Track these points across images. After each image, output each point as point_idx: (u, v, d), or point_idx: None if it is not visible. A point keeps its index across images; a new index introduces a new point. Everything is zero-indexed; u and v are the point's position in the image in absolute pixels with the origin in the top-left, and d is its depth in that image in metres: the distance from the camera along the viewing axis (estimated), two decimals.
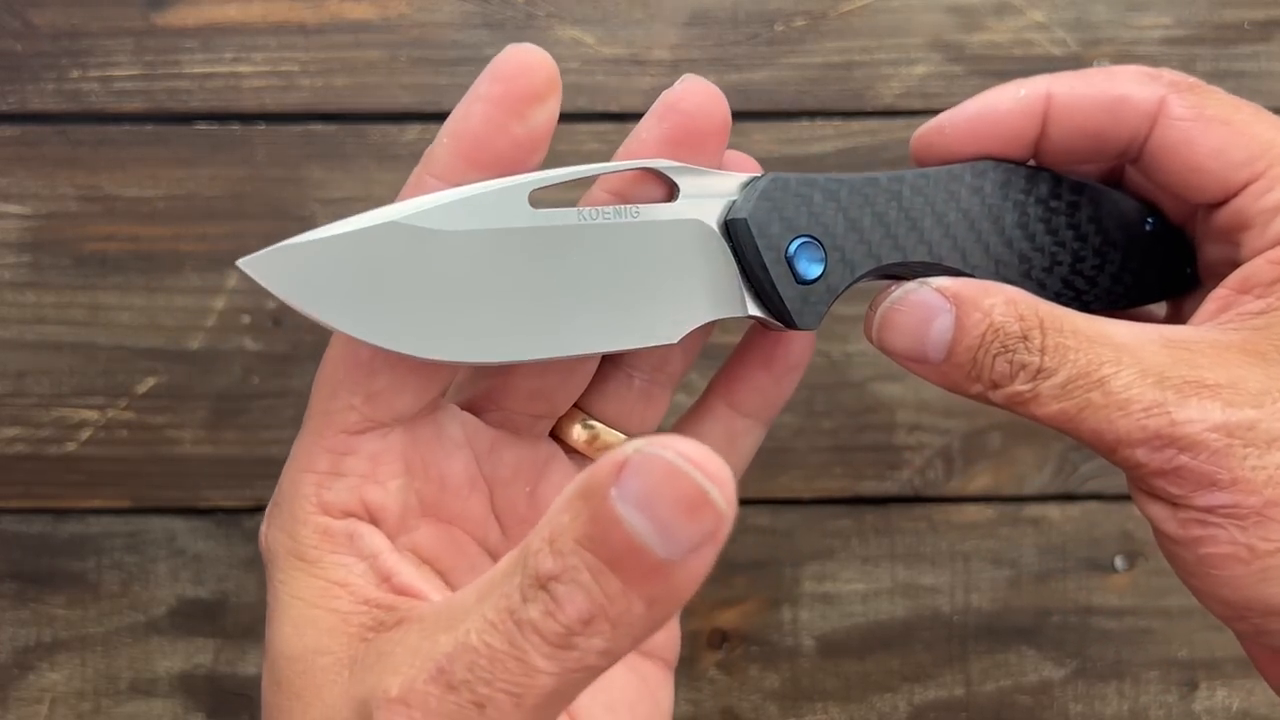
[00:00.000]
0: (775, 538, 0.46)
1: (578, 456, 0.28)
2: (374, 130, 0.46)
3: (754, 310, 0.25)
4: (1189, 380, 0.22)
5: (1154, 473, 0.23)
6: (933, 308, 0.24)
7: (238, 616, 0.46)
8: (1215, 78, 0.47)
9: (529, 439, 0.27)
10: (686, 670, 0.46)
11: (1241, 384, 0.22)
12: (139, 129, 0.46)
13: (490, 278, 0.23)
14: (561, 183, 0.24)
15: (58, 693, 0.45)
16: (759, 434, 0.29)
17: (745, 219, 0.24)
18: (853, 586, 0.46)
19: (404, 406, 0.24)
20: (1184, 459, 0.22)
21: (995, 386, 0.23)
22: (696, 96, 0.25)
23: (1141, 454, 0.22)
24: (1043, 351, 0.23)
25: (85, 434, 0.46)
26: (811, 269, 0.25)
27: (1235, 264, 0.26)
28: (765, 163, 0.47)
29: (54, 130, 0.46)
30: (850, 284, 0.25)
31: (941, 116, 0.27)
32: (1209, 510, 0.22)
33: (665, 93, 0.25)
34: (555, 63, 0.24)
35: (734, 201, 0.25)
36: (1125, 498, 0.46)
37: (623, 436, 0.27)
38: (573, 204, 0.26)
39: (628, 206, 0.24)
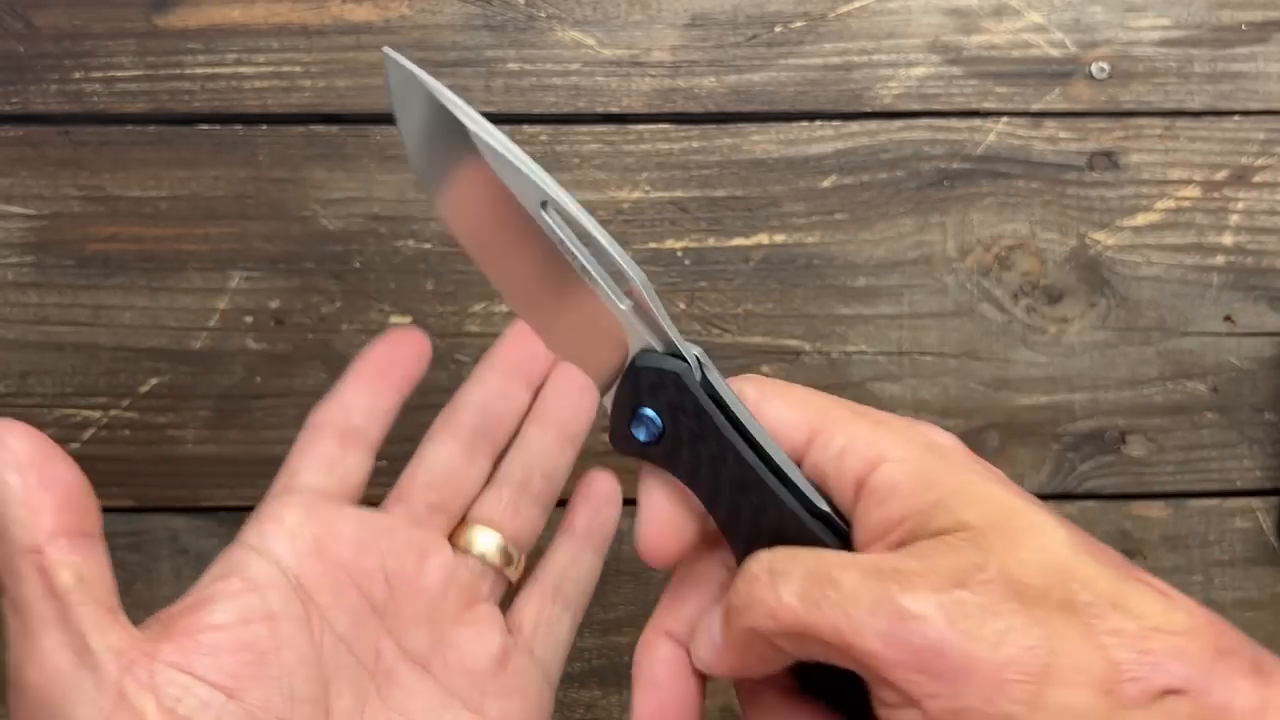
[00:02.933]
0: None
1: (459, 551, 0.34)
2: (376, 131, 0.47)
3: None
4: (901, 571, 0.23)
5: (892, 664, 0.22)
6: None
7: None
8: (1212, 79, 0.47)
9: (423, 529, 0.33)
10: None
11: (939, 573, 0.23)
12: (142, 130, 0.46)
13: None
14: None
15: None
16: (591, 559, 0.36)
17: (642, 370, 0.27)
18: None
19: (308, 480, 0.32)
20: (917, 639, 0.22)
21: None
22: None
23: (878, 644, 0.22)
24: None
25: (88, 434, 0.46)
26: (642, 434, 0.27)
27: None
28: (764, 164, 0.47)
29: (57, 131, 0.46)
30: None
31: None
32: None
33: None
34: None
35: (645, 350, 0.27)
36: (1123, 497, 0.47)
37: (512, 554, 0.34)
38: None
39: None
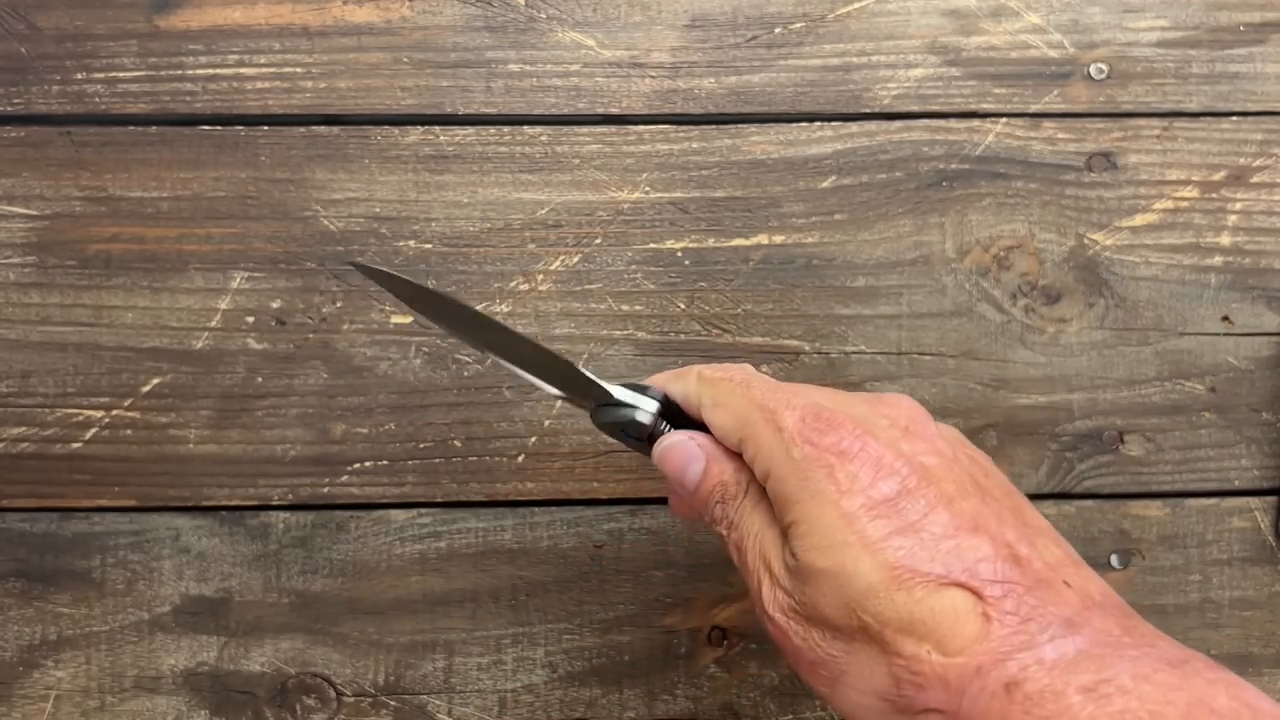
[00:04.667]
0: None
1: None
2: (376, 132, 0.47)
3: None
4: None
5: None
6: (693, 455, 0.35)
7: (241, 614, 0.46)
8: (1210, 80, 0.47)
9: None
10: (686, 667, 0.46)
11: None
12: (143, 131, 0.47)
13: None
14: None
15: (62, 690, 0.46)
16: None
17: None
18: None
19: None
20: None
21: (714, 521, 0.35)
22: None
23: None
24: (739, 513, 0.35)
25: (90, 433, 0.46)
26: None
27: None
28: (764, 165, 0.47)
29: (59, 132, 0.47)
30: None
31: None
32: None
33: None
34: None
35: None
36: (1121, 496, 0.47)
37: None
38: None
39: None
